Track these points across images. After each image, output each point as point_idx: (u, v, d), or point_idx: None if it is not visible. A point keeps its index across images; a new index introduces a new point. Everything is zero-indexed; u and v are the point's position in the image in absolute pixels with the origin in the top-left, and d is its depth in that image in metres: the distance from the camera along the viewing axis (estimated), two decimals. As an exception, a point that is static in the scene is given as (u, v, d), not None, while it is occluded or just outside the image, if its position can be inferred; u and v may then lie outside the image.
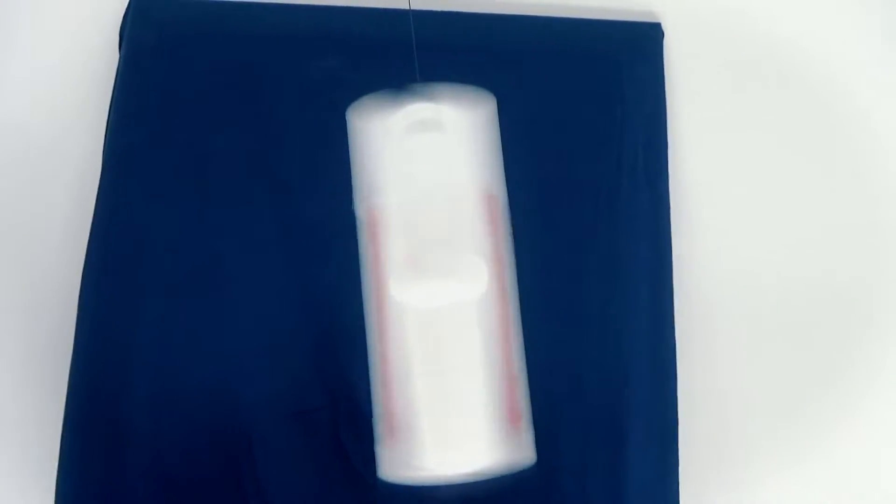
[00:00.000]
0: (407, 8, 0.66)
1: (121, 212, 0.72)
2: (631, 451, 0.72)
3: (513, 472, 0.54)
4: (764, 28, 0.84)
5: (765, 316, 0.78)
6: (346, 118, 0.58)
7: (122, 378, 0.69)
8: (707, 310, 0.77)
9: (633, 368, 0.73)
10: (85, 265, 0.70)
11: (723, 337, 0.78)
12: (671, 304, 0.74)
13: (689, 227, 0.78)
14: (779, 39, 0.84)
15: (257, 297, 0.72)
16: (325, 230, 0.72)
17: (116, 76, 0.75)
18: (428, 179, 0.52)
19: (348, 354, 0.70)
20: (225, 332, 0.70)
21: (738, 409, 0.77)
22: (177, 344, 0.70)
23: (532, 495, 0.71)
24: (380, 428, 0.55)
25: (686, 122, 0.80)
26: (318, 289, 0.72)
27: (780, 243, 0.79)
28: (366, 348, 0.69)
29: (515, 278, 0.58)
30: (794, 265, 0.79)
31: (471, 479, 0.52)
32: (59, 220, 0.77)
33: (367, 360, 0.69)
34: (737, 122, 0.82)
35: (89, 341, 0.69)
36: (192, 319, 0.71)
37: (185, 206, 0.73)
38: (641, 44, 0.81)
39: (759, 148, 0.81)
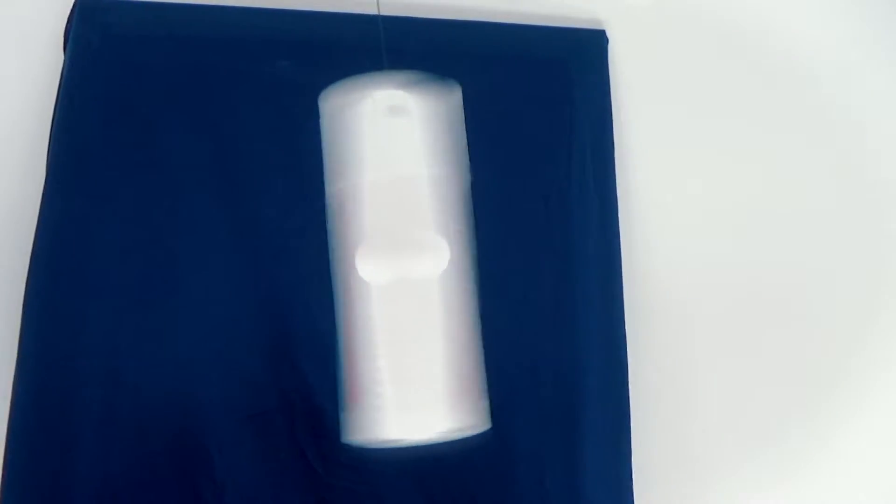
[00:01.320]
0: (360, 12, 0.67)
1: (66, 214, 0.70)
2: (586, 438, 0.74)
3: (469, 437, 0.57)
4: (708, 31, 0.88)
5: (712, 311, 0.82)
6: (318, 103, 0.59)
7: (69, 383, 0.67)
8: (655, 305, 0.80)
9: (586, 359, 0.75)
10: (30, 269, 0.68)
11: (672, 331, 0.81)
12: (621, 300, 0.77)
13: (636, 226, 0.81)
14: (722, 41, 0.88)
15: (210, 300, 0.71)
16: (278, 231, 0.72)
17: (61, 77, 0.74)
18: (395, 162, 0.54)
19: (303, 355, 0.70)
20: (177, 336, 0.69)
21: (688, 399, 0.80)
22: (127, 348, 0.68)
23: (490, 482, 0.73)
24: (345, 395, 0.56)
25: (631, 124, 0.84)
26: (272, 290, 0.72)
27: (722, 239, 0.83)
28: (320, 349, 0.69)
29: (475, 257, 0.60)
30: (737, 261, 0.83)
31: (430, 443, 0.54)
32: (2, 223, 0.75)
33: (321, 361, 0.69)
34: (680, 123, 0.85)
35: (35, 347, 0.67)
36: (143, 323, 0.69)
37: (132, 207, 0.71)
38: (587, 49, 0.84)
39: (703, 148, 0.85)
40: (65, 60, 0.74)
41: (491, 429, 0.59)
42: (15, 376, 0.66)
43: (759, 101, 0.86)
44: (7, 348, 0.67)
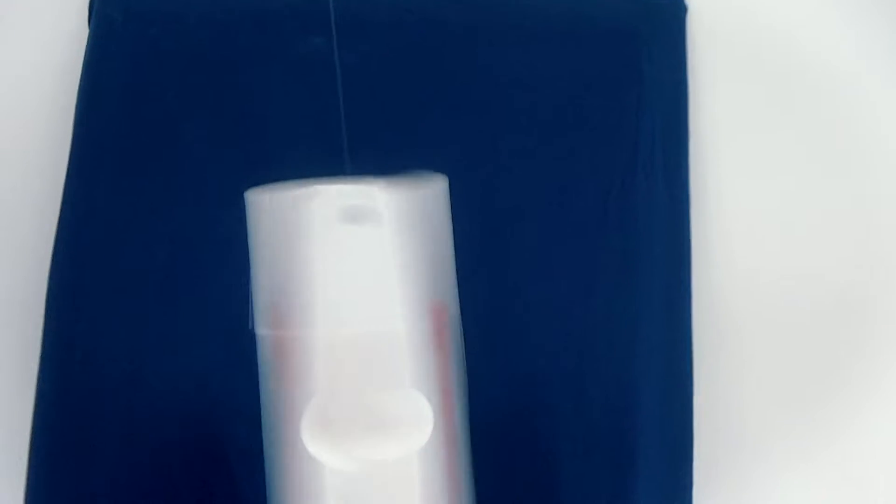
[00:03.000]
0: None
1: (87, 203, 0.67)
2: (640, 475, 0.66)
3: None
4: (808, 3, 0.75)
5: (792, 324, 0.71)
6: (247, 200, 0.47)
7: (91, 385, 0.65)
8: (729, 318, 0.70)
9: (644, 382, 0.67)
10: (52, 262, 0.66)
11: (745, 348, 0.71)
12: (688, 312, 0.68)
13: (710, 228, 0.71)
14: (825, 15, 0.75)
15: (234, 298, 0.67)
16: None
17: (84, 56, 0.70)
18: (357, 288, 0.40)
19: None
20: (200, 336, 0.65)
21: (757, 425, 0.70)
22: (150, 348, 0.65)
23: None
24: None
25: (710, 109, 0.72)
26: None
27: (810, 245, 0.72)
28: None
29: (465, 410, 0.49)
30: (824, 268, 0.71)
31: None
32: (27, 211, 0.72)
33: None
34: (765, 111, 0.73)
35: (56, 347, 0.65)
36: (166, 322, 0.66)
37: (155, 194, 0.67)
38: (662, 19, 0.73)
39: (790, 141, 0.73)
40: (88, 37, 0.70)
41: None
42: (39, 375, 0.65)
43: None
44: (30, 348, 0.65)
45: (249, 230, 0.48)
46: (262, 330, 0.46)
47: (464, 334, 0.65)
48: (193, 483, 0.65)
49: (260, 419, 0.66)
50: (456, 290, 0.48)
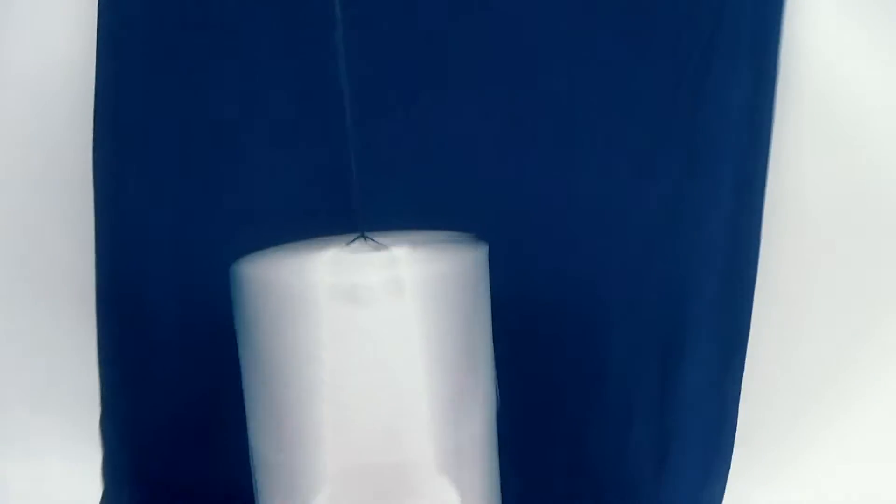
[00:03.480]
0: None
1: (123, 75, 0.65)
2: (690, 366, 0.66)
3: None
4: None
5: (868, 236, 0.65)
6: (236, 273, 0.39)
7: (142, 259, 0.68)
8: (803, 223, 0.65)
9: (704, 275, 0.64)
10: (94, 138, 0.65)
11: (816, 254, 0.66)
12: (759, 211, 0.63)
13: (798, 119, 0.62)
14: None
15: (275, 165, 0.65)
16: (341, 86, 0.62)
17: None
18: (371, 376, 0.33)
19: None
20: (243, 205, 0.66)
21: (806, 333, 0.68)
22: (195, 220, 0.67)
23: (573, 405, 0.68)
24: None
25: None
26: (339, 155, 0.65)
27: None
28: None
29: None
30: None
31: None
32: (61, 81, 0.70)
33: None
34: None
35: (108, 223, 0.67)
36: (209, 192, 0.66)
37: (189, 64, 0.65)
38: None
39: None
40: None
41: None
42: (96, 249, 0.68)
43: None
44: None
45: (236, 309, 0.38)
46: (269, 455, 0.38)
47: (520, 225, 0.63)
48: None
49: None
50: (491, 356, 0.40)
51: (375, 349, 0.34)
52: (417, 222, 0.61)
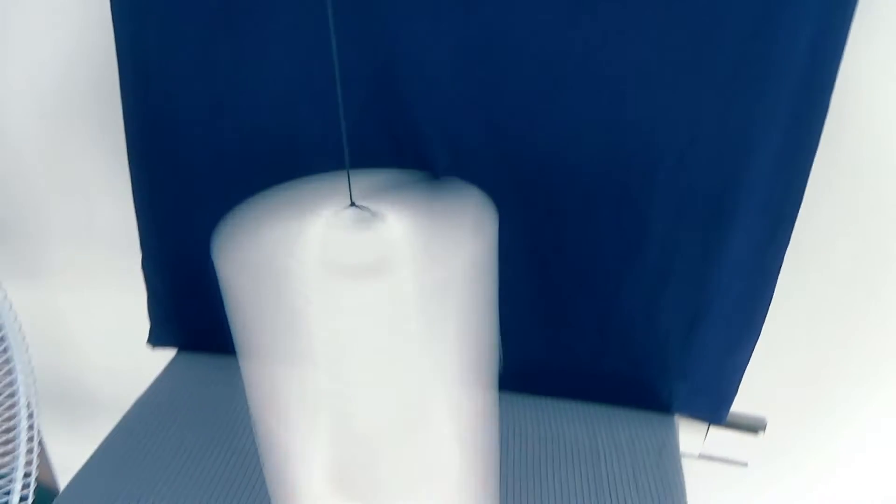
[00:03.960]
0: None
1: None
2: (734, 239, 0.62)
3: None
4: None
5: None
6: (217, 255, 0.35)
7: (170, 107, 0.67)
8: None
9: (764, 135, 0.58)
10: None
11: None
12: (831, 82, 0.55)
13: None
14: None
15: (307, 26, 0.62)
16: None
17: None
18: (368, 352, 0.31)
19: (409, 88, 0.62)
20: (273, 66, 0.64)
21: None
22: (223, 72, 0.65)
23: (610, 261, 0.67)
24: None
25: None
26: (373, 21, 0.61)
27: None
28: (428, 81, 0.60)
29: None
30: None
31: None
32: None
33: (429, 108, 0.61)
34: None
35: (133, 72, 0.67)
36: (237, 47, 0.64)
37: None
38: None
39: None
40: None
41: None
42: (123, 103, 0.67)
43: None
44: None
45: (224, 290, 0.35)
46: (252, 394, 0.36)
47: (569, 73, 0.59)
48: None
49: (336, 146, 0.66)
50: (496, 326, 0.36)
51: (372, 325, 0.33)
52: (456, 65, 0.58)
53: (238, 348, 0.35)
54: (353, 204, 0.33)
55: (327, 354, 0.33)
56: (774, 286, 0.65)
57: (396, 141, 0.65)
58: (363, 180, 0.33)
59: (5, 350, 0.60)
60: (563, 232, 0.67)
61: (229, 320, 0.34)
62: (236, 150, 0.68)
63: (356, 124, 0.64)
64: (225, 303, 0.34)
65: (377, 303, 0.32)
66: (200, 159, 0.69)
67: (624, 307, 0.69)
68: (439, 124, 0.63)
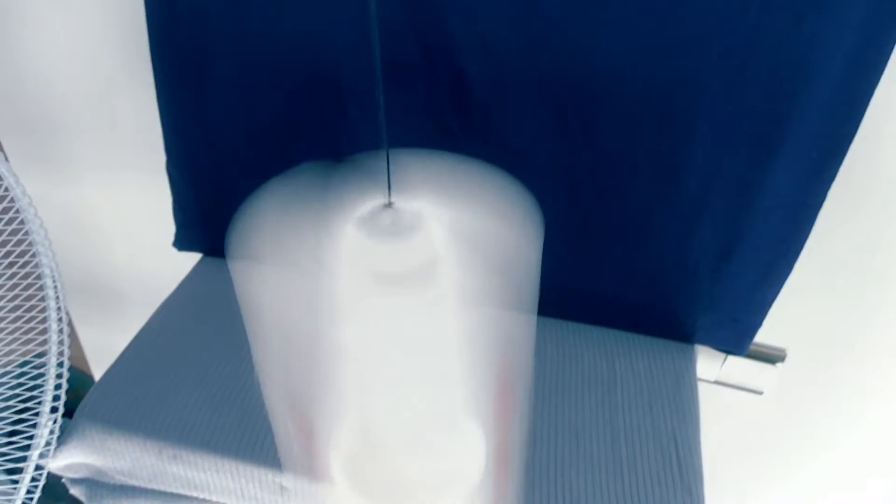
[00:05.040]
0: None
1: None
2: (779, 164, 0.59)
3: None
4: None
5: None
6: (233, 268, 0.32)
7: (199, 28, 0.66)
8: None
9: (824, 64, 0.54)
10: None
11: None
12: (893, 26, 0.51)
13: None
14: None
15: None
16: None
17: None
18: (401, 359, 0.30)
19: (449, 10, 0.58)
20: None
21: None
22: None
23: (648, 190, 0.65)
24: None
25: None
26: None
27: None
28: (468, 5, 0.57)
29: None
30: None
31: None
32: None
33: (468, 17, 0.58)
34: None
35: None
36: None
37: None
38: None
39: None
40: None
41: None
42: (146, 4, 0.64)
43: None
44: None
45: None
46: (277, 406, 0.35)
47: (614, 7, 0.55)
48: (311, 119, 0.67)
49: (373, 62, 0.63)
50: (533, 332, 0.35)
51: (405, 336, 0.31)
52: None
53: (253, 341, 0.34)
54: (391, 203, 0.30)
55: (356, 361, 0.32)
56: (814, 221, 0.63)
57: (428, 50, 0.61)
58: (403, 168, 0.30)
59: (27, 233, 0.61)
60: (598, 155, 0.64)
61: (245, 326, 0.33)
62: (262, 58, 0.66)
63: (388, 33, 0.61)
64: (241, 307, 0.32)
65: (413, 315, 0.31)
66: (225, 64, 0.67)
67: (655, 236, 0.67)
68: (475, 34, 0.59)
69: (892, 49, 0.53)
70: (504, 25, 0.58)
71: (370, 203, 0.30)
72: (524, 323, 0.34)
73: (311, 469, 0.37)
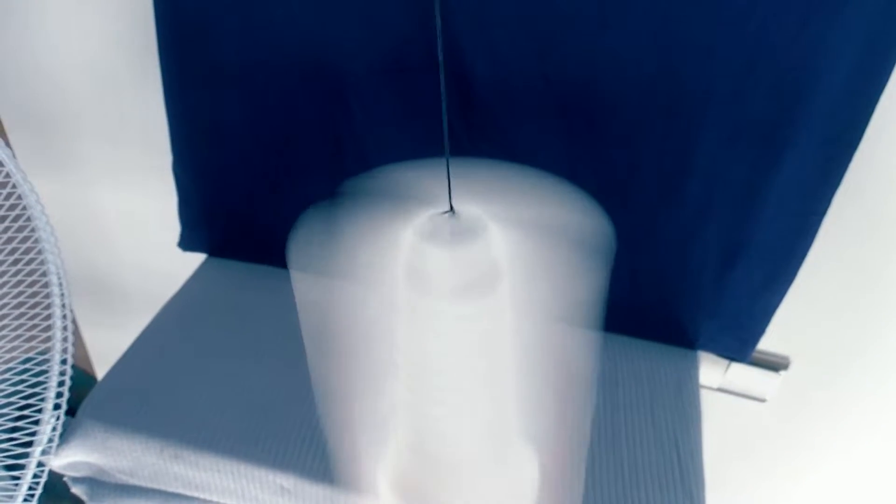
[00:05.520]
0: None
1: None
2: (785, 163, 0.59)
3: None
4: None
5: None
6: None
7: (206, 30, 0.66)
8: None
9: (832, 65, 0.54)
10: None
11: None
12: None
13: None
14: None
15: None
16: None
17: None
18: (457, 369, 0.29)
19: (457, 15, 0.59)
20: None
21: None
22: None
23: (652, 194, 0.64)
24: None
25: None
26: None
27: None
28: (475, 10, 0.57)
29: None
30: None
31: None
32: None
33: (477, 22, 0.58)
34: None
35: None
36: None
37: None
38: None
39: None
40: None
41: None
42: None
43: None
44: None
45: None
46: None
47: (621, 10, 0.55)
48: (317, 123, 0.67)
49: (380, 67, 0.63)
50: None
51: (463, 348, 0.31)
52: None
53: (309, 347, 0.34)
54: (451, 210, 0.30)
55: (412, 372, 0.31)
56: (818, 228, 0.63)
57: (434, 54, 0.61)
58: (463, 177, 0.30)
59: (33, 230, 0.61)
60: (602, 157, 0.64)
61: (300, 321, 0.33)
62: (270, 59, 0.66)
63: (392, 35, 0.61)
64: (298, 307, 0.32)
65: (471, 326, 0.30)
66: (231, 63, 0.67)
67: (658, 240, 0.67)
68: (480, 37, 0.59)
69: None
70: (509, 29, 0.59)
71: (429, 211, 0.30)
72: (585, 338, 0.34)
73: (358, 482, 0.37)
